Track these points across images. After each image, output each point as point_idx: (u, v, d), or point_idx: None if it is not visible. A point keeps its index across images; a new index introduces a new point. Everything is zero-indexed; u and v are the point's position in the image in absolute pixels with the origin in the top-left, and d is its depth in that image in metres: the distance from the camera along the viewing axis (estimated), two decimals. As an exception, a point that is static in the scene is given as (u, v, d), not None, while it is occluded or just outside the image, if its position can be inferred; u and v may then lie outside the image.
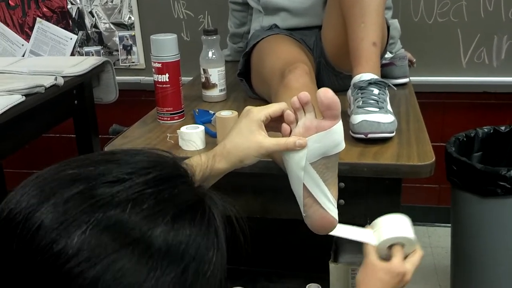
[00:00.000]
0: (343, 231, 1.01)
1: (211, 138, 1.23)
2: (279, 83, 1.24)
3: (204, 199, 0.58)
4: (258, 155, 0.93)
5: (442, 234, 2.48)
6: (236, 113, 1.19)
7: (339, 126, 0.92)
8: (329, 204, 0.95)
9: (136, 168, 0.56)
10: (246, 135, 0.92)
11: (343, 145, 0.94)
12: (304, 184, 0.94)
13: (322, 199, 0.95)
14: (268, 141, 0.91)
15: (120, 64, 2.54)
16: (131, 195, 0.53)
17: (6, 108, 1.51)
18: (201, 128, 1.20)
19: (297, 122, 0.93)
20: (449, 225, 1.71)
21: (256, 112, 0.93)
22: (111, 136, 1.86)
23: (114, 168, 0.56)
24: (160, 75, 1.32)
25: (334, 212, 0.96)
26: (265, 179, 1.15)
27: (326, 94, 0.88)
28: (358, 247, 1.41)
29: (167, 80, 1.32)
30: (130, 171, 0.56)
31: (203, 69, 1.50)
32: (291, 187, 0.97)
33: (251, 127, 0.91)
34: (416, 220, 2.50)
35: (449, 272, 1.74)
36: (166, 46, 1.32)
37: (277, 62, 1.35)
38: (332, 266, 1.39)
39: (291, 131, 0.94)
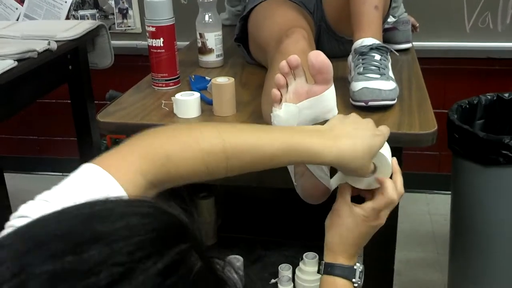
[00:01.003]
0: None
1: (207, 105, 1.20)
2: (275, 49, 1.20)
3: (221, 275, 0.48)
4: None
5: (441, 202, 2.48)
6: (232, 79, 1.15)
7: (331, 91, 0.88)
8: (321, 172, 0.92)
9: (135, 252, 0.41)
10: None
11: (335, 111, 0.90)
12: None
13: (313, 167, 0.91)
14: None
15: (116, 28, 2.50)
16: None
17: (-2, 74, 1.47)
18: (197, 95, 1.16)
19: (287, 87, 0.89)
20: (449, 192, 1.70)
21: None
22: (107, 102, 1.83)
23: (105, 255, 0.40)
24: (154, 40, 1.28)
25: (326, 181, 0.92)
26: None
27: (317, 57, 0.83)
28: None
29: (162, 45, 1.28)
30: (128, 259, 0.40)
31: (200, 34, 1.45)
32: None
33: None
34: (416, 187, 2.53)
35: (448, 240, 1.73)
36: (161, 9, 1.27)
37: (274, 27, 1.31)
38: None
39: (281, 96, 0.90)
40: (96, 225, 0.42)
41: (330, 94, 0.88)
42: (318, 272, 0.92)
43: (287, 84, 0.90)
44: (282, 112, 0.89)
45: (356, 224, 0.87)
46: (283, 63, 0.86)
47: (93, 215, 0.44)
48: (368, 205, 0.87)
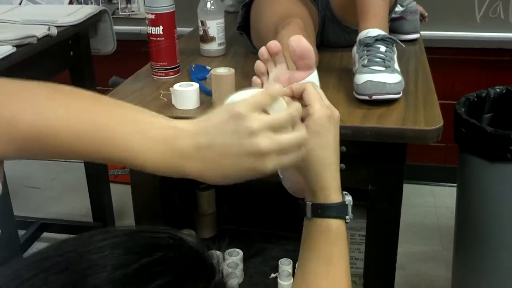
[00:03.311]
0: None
1: (207, 96, 1.17)
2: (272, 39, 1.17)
3: None
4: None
5: (447, 194, 2.44)
6: (232, 70, 1.12)
7: (313, 77, 0.84)
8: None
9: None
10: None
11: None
12: None
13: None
14: None
15: (120, 13, 2.46)
16: None
17: (-5, 60, 1.44)
18: (195, 86, 1.13)
19: (268, 75, 0.86)
20: (455, 185, 1.67)
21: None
22: (110, 88, 1.80)
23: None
24: (153, 27, 1.25)
25: None
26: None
27: (299, 42, 0.80)
28: (359, 212, 1.37)
29: (161, 32, 1.25)
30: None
31: (201, 21, 1.42)
32: None
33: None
34: (421, 179, 2.49)
35: (453, 233, 1.70)
36: (160, -5, 1.24)
37: (273, 17, 1.28)
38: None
39: (262, 84, 0.87)
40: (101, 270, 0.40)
41: (312, 80, 0.84)
42: (301, 214, 0.82)
43: (268, 71, 0.86)
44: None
45: (326, 130, 0.75)
46: (262, 50, 0.82)
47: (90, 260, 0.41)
48: (315, 105, 0.74)
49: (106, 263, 0.40)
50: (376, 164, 1.09)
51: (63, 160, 2.47)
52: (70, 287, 0.39)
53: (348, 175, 1.11)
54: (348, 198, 0.80)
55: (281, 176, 0.91)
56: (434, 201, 2.48)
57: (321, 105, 0.75)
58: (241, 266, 1.39)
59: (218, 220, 1.57)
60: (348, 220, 0.80)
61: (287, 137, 0.66)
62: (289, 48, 0.80)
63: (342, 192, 0.81)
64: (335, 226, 0.78)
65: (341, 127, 1.02)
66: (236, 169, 0.65)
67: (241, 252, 1.41)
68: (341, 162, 1.10)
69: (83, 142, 0.60)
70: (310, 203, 0.80)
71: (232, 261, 1.39)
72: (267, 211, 1.62)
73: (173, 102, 1.13)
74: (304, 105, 0.75)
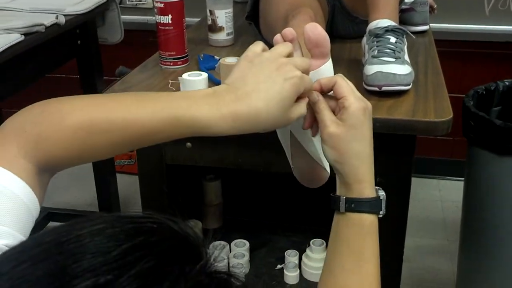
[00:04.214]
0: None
1: (216, 86, 1.16)
2: (282, 29, 1.16)
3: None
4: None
5: (453, 188, 2.44)
6: (241, 60, 1.11)
7: (328, 65, 0.83)
8: (319, 154, 0.85)
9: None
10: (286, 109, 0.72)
11: None
12: (291, 132, 0.85)
13: (311, 149, 0.86)
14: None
15: (127, 2, 2.46)
16: None
17: (3, 48, 1.44)
18: (204, 75, 1.13)
19: None
20: (461, 179, 1.66)
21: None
22: (117, 78, 1.80)
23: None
24: (162, 16, 1.24)
25: (325, 163, 0.87)
26: (270, 133, 1.09)
27: (314, 30, 0.78)
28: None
29: (170, 21, 1.24)
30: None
31: (210, 11, 1.41)
32: (278, 136, 0.89)
33: (293, 100, 0.73)
34: (428, 172, 2.49)
35: (459, 227, 1.70)
36: (170, -16, 1.23)
37: (282, 6, 1.27)
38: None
39: None
40: (90, 252, 0.40)
41: (328, 68, 0.83)
42: (333, 207, 0.79)
43: None
44: None
45: (362, 123, 0.75)
46: (277, 37, 0.81)
47: (80, 242, 0.41)
48: (350, 98, 0.75)
49: (85, 251, 0.39)
50: (385, 156, 1.08)
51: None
52: (49, 279, 0.38)
53: (357, 166, 1.11)
54: (382, 193, 0.79)
55: (292, 166, 0.91)
56: (440, 195, 2.48)
57: (355, 98, 0.75)
58: (247, 256, 1.39)
59: (225, 211, 1.57)
60: (381, 215, 0.79)
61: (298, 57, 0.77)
62: (304, 36, 0.80)
63: (375, 187, 0.80)
64: (368, 221, 0.77)
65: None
66: (277, 87, 0.69)
67: (247, 243, 1.41)
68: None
69: (166, 128, 0.68)
70: (344, 197, 0.78)
71: (238, 252, 1.39)
72: (273, 202, 1.61)
73: (182, 91, 1.13)
74: (336, 99, 0.76)
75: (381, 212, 0.78)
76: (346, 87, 0.76)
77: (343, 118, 0.74)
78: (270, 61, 0.71)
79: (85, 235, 0.41)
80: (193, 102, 0.68)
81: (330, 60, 0.83)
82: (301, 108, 0.73)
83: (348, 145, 0.75)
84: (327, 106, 0.77)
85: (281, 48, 0.75)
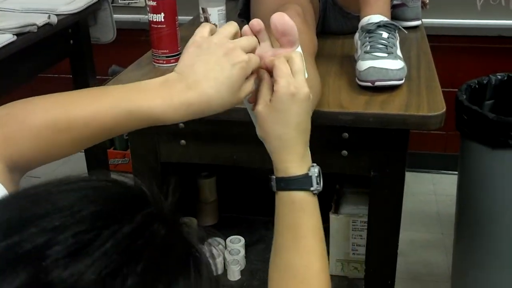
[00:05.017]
0: None
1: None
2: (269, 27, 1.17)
3: (187, 239, 0.46)
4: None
5: (447, 182, 2.45)
6: (235, 57, 1.12)
7: (297, 53, 0.84)
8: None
9: (97, 218, 0.41)
10: (235, 92, 0.75)
11: (305, 75, 0.84)
12: None
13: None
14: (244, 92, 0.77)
15: (119, 1, 2.45)
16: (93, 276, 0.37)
17: (-5, 48, 1.44)
18: None
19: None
20: (455, 173, 1.67)
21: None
22: (109, 77, 1.79)
23: (64, 226, 0.39)
24: (155, 14, 1.24)
25: None
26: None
27: (280, 19, 0.80)
28: (360, 199, 1.38)
29: (163, 20, 1.24)
30: (88, 227, 0.40)
31: (202, 8, 1.41)
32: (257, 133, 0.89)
33: (241, 82, 0.75)
34: (421, 167, 2.50)
35: (453, 221, 1.71)
36: (162, -18, 1.23)
37: (270, 3, 1.27)
38: (332, 217, 1.35)
39: None
40: (53, 200, 0.42)
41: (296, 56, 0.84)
42: (269, 188, 0.84)
43: None
44: None
45: (287, 108, 0.77)
46: (245, 28, 0.82)
47: (48, 192, 0.44)
48: (281, 81, 0.77)
49: (47, 202, 0.42)
50: (379, 150, 1.09)
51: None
52: (8, 222, 0.40)
53: (351, 161, 1.12)
54: (314, 170, 0.81)
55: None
56: (434, 189, 2.49)
57: (286, 82, 0.77)
58: (243, 252, 1.39)
59: (220, 208, 1.57)
60: (316, 192, 0.81)
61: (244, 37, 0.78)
62: (270, 25, 0.81)
63: (309, 165, 0.82)
64: (299, 198, 0.80)
65: (343, 114, 1.04)
66: (226, 73, 0.72)
67: (243, 239, 1.41)
68: (343, 149, 1.11)
69: (123, 122, 0.70)
70: (274, 176, 0.82)
71: (234, 248, 1.39)
72: (268, 198, 1.62)
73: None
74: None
75: (312, 188, 0.80)
76: (282, 70, 0.78)
77: (272, 100, 0.78)
78: (217, 46, 0.73)
79: (51, 190, 0.44)
80: (147, 94, 0.71)
81: (299, 47, 0.84)
82: (249, 87, 0.76)
83: (271, 126, 0.79)
84: (269, 85, 0.79)
85: (227, 29, 0.76)
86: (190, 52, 0.75)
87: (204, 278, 0.45)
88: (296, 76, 0.78)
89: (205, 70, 0.72)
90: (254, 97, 0.81)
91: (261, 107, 0.79)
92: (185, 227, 0.47)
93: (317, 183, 0.81)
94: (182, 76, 0.73)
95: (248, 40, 0.77)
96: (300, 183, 0.80)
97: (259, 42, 0.83)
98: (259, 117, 0.80)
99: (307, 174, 0.80)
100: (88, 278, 0.37)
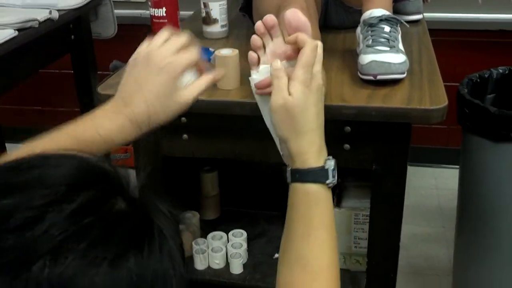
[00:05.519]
0: None
1: (211, 77, 1.16)
2: None
3: (149, 215, 0.48)
4: (181, 111, 0.81)
5: (449, 176, 2.45)
6: (236, 51, 1.12)
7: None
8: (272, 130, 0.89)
9: (50, 195, 0.43)
10: (170, 96, 0.77)
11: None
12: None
13: (268, 123, 0.89)
14: (189, 94, 0.80)
15: (120, -4, 2.44)
16: (52, 242, 0.40)
17: (-3, 44, 1.44)
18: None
19: (265, 49, 0.87)
20: (457, 167, 1.67)
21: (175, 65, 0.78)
22: (110, 72, 1.79)
23: (19, 201, 0.42)
24: (156, 9, 1.25)
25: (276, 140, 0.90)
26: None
27: (294, 15, 0.81)
28: (362, 192, 1.38)
29: (164, 14, 1.25)
30: (42, 202, 0.42)
31: (204, 3, 1.41)
32: (266, 124, 0.91)
33: (173, 85, 0.78)
34: (423, 161, 2.50)
35: (455, 215, 1.71)
36: (163, -23, 1.23)
37: None
38: (335, 210, 1.35)
39: (259, 59, 0.88)
40: (10, 177, 0.45)
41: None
42: (284, 179, 0.84)
43: (264, 45, 0.87)
44: (259, 75, 0.88)
45: (304, 101, 0.78)
46: (259, 24, 0.83)
47: (8, 168, 0.46)
48: (297, 71, 0.79)
49: (31, 177, 0.45)
50: (381, 144, 1.09)
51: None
52: None
53: (353, 155, 1.12)
54: (330, 163, 0.81)
55: (281, 153, 0.92)
56: (435, 183, 2.49)
57: (303, 72, 0.78)
58: (245, 246, 1.39)
59: (222, 201, 1.57)
60: (331, 185, 0.81)
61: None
62: (284, 22, 0.81)
63: (325, 157, 0.82)
64: (313, 190, 0.80)
65: (346, 107, 1.04)
66: (154, 80, 0.75)
67: (245, 233, 1.41)
68: (345, 142, 1.11)
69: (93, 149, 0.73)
70: (290, 168, 0.82)
71: (236, 242, 1.40)
72: (270, 192, 1.62)
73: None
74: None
75: (327, 181, 0.80)
76: (307, 56, 0.79)
77: (290, 91, 0.78)
78: (144, 59, 0.77)
79: (37, 166, 0.47)
80: (98, 121, 0.75)
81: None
82: (186, 78, 0.78)
83: (293, 119, 0.79)
84: (284, 75, 0.80)
85: (157, 39, 0.79)
86: (126, 71, 0.80)
87: (164, 255, 0.45)
88: (316, 65, 0.80)
89: (136, 85, 0.76)
90: (263, 85, 0.82)
91: (279, 99, 0.79)
92: (158, 206, 0.49)
93: (333, 176, 0.81)
94: (121, 94, 0.77)
95: (173, 43, 0.79)
96: (316, 175, 0.80)
97: (271, 38, 0.84)
98: (278, 110, 0.79)
99: (323, 166, 0.80)
100: (31, 254, 0.40)
